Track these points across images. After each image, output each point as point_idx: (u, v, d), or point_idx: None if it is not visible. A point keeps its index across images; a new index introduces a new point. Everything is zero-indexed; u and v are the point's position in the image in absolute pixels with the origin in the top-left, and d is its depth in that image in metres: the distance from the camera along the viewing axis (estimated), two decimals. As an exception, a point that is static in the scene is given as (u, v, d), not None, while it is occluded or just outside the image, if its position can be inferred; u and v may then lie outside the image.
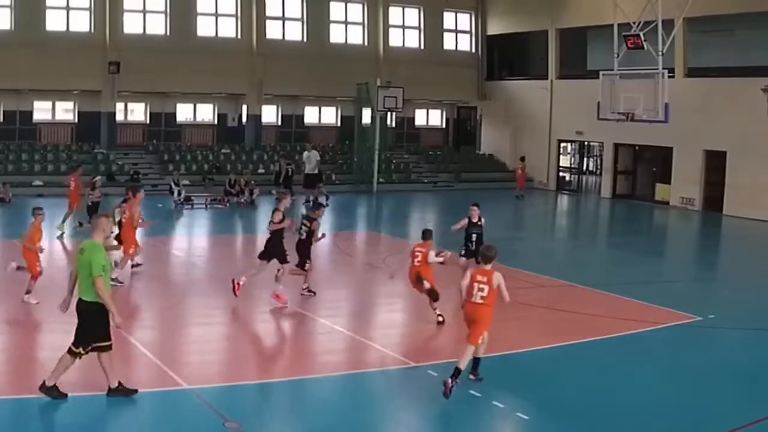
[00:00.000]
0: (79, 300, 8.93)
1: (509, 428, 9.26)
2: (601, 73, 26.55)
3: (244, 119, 35.02)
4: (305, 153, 30.11)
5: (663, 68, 24.34)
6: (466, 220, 14.79)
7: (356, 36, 36.63)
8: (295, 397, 9.78)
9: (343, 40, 36.26)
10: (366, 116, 34.18)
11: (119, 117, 32.97)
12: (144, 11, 32.29)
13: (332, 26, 35.94)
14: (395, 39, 37.32)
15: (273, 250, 13.88)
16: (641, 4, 24.95)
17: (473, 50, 39.45)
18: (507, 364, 11.02)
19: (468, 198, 22.78)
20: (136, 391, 9.09)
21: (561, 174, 36.99)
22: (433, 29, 38.05)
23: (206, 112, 35.47)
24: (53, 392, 8.88)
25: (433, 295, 12.65)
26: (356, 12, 36.57)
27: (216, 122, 35.42)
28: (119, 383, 9.07)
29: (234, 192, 28.37)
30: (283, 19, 35.04)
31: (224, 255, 17.84)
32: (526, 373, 10.66)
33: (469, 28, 39.39)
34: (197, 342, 11.96)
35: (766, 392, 10.27)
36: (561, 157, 36.99)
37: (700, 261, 22.32)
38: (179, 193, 27.25)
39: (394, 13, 37.28)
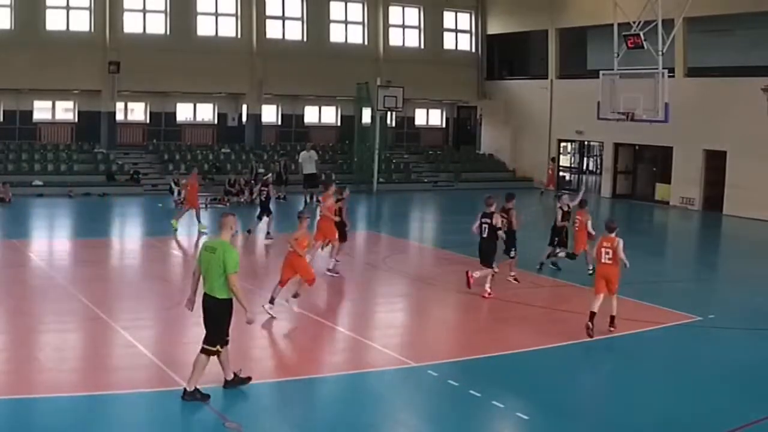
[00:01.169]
0: (210, 298, 9.04)
1: (509, 428, 9.26)
2: (601, 72, 26.50)
3: (244, 119, 35.02)
4: (303, 153, 30.02)
5: (663, 68, 24.28)
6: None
7: (356, 36, 36.61)
8: (295, 397, 9.78)
9: (343, 40, 36.24)
10: (366, 116, 34.12)
11: (119, 117, 32.92)
12: (144, 11, 32.24)
13: (332, 26, 35.91)
14: (395, 38, 37.30)
15: (487, 250, 14.49)
16: (641, 4, 24.92)
17: (473, 50, 39.43)
18: (507, 364, 11.04)
19: (468, 198, 22.89)
20: (249, 378, 9.47)
21: (561, 173, 36.97)
22: (433, 29, 38.03)
23: (206, 112, 35.46)
24: (196, 396, 8.99)
25: (571, 257, 17.10)
26: (356, 11, 36.56)
27: (216, 122, 35.42)
28: (234, 375, 9.36)
29: (234, 191, 28.37)
30: (283, 18, 35.03)
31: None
32: (526, 373, 10.66)
33: (469, 27, 39.37)
34: (197, 342, 11.89)
35: (766, 392, 10.27)
36: (561, 156, 36.99)
37: (700, 261, 22.30)
38: (179, 193, 27.22)
39: (394, 13, 37.26)
